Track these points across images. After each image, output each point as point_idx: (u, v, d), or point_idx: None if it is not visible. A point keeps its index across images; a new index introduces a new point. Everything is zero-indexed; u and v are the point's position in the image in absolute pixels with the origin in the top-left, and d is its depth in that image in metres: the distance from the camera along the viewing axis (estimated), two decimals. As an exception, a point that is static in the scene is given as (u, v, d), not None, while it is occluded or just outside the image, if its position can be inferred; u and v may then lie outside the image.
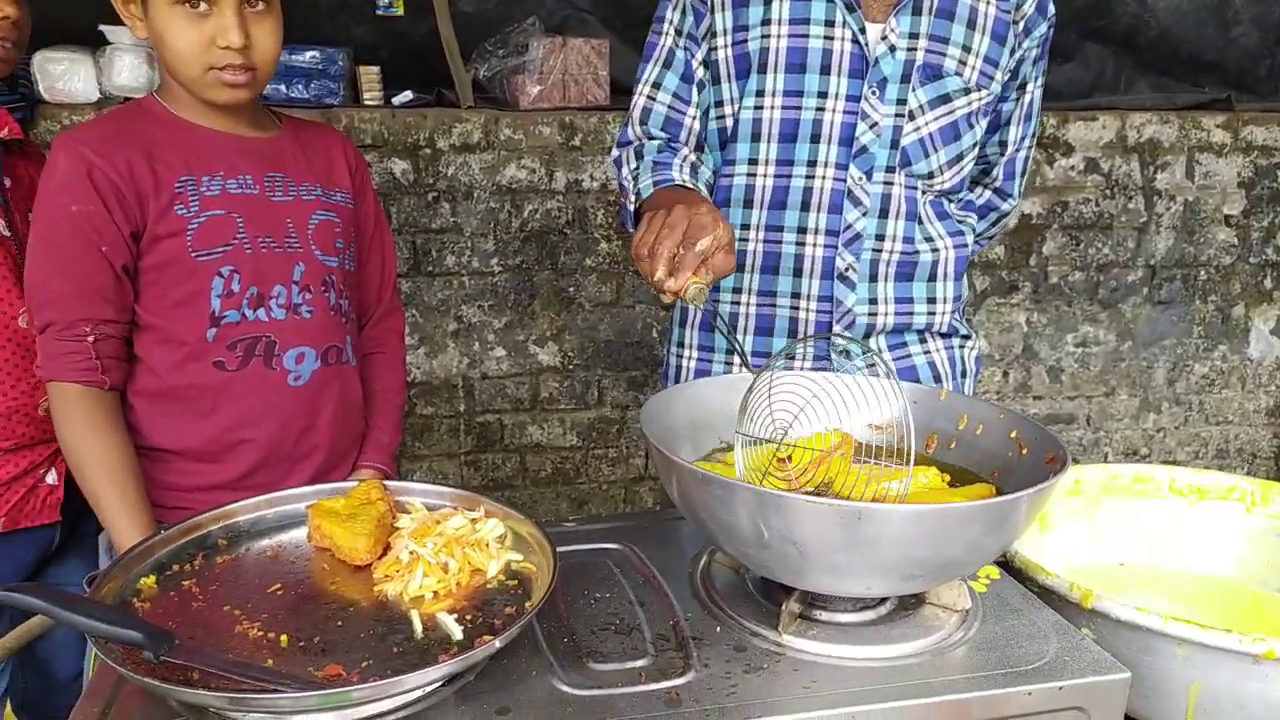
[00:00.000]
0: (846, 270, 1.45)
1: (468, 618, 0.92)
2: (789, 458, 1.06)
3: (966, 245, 1.56)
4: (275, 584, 0.97)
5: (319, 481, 1.40)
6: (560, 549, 0.98)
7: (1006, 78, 1.48)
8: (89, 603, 0.85)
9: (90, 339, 1.32)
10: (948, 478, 1.09)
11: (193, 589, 0.95)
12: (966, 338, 1.62)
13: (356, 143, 2.72)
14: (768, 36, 1.41)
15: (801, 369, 1.48)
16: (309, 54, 2.69)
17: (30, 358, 1.47)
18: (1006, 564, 1.13)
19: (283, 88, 2.68)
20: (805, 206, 1.45)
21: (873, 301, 1.48)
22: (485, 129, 2.84)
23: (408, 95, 2.83)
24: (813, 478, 1.04)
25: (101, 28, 2.57)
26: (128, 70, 2.58)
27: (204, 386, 1.39)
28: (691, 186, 1.39)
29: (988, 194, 1.61)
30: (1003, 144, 1.57)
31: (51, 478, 1.61)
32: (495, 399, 3.08)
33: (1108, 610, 1.01)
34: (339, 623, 0.91)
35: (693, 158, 1.49)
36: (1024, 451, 1.06)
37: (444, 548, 0.99)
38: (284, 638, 0.88)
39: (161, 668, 0.80)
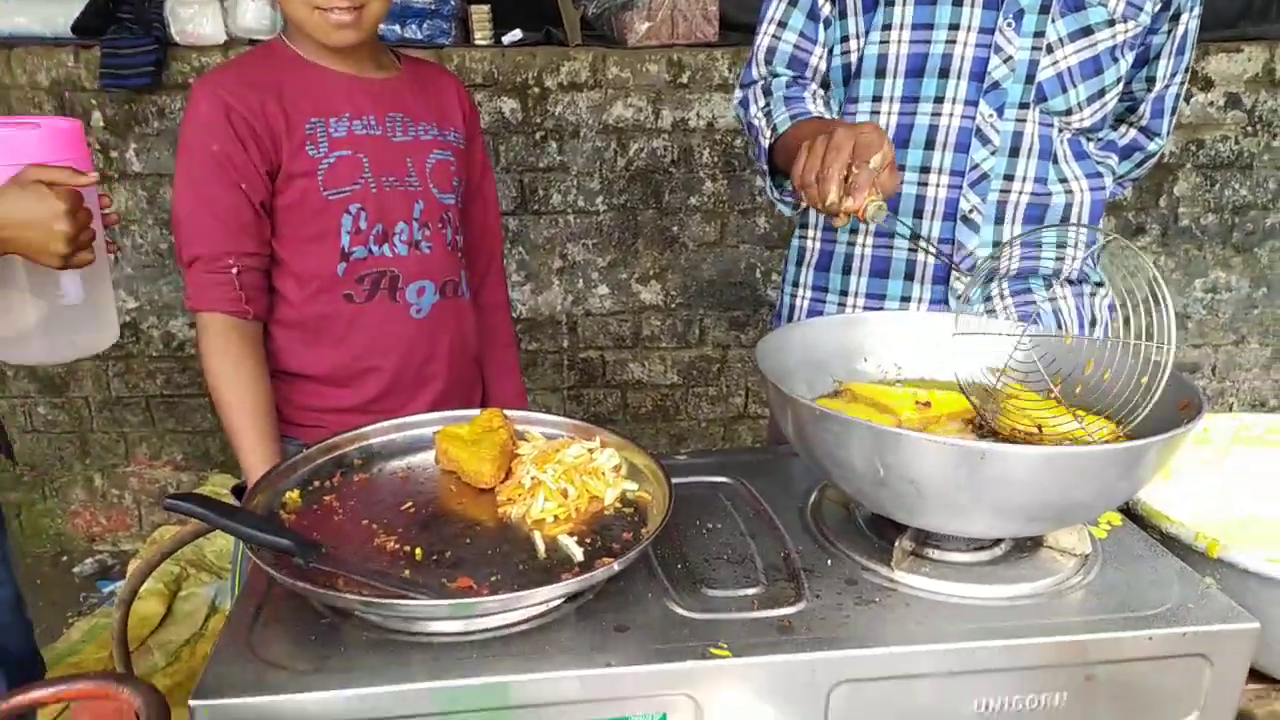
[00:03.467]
0: (971, 212, 1.41)
1: (587, 541, 0.96)
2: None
3: (1104, 188, 1.49)
4: (407, 502, 1.03)
5: (438, 408, 1.46)
6: (673, 480, 1.00)
7: (1157, 8, 1.39)
8: (245, 513, 0.92)
9: (234, 270, 1.39)
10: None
11: (333, 503, 1.02)
12: (1100, 285, 1.55)
13: (467, 82, 2.77)
14: None
15: (918, 310, 1.47)
16: (423, -7, 2.73)
17: None
18: (1129, 511, 1.11)
19: (397, 28, 2.72)
20: (930, 145, 1.40)
21: (997, 245, 1.44)
22: (593, 67, 2.84)
23: (517, 34, 2.85)
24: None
25: (228, -29, 2.67)
26: (252, 13, 2.68)
27: (335, 317, 1.47)
28: (830, 118, 1.35)
29: (1132, 133, 1.52)
30: (1150, 79, 1.47)
31: None
32: (598, 336, 3.13)
33: (1235, 560, 0.98)
34: (467, 540, 0.96)
35: (822, 93, 1.46)
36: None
37: (563, 475, 1.03)
38: (418, 550, 0.93)
39: (310, 572, 0.87)
